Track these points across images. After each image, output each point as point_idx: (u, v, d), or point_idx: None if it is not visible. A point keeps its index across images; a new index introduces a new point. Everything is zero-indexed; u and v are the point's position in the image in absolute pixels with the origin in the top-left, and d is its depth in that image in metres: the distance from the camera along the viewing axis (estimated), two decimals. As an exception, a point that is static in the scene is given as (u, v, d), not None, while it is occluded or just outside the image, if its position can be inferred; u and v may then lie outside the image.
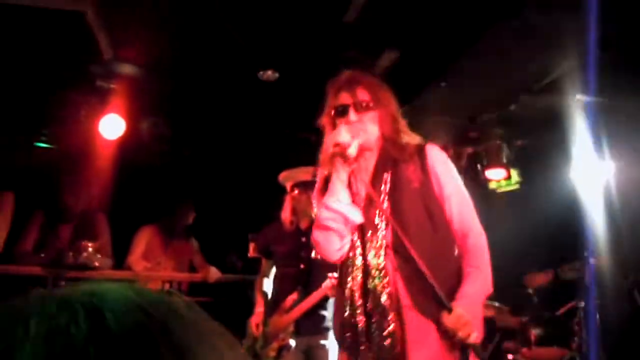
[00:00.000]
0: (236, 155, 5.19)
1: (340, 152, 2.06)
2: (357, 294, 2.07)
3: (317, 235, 2.13)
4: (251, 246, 4.11)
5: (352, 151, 2.06)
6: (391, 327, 1.99)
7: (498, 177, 5.43)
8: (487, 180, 5.54)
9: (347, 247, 2.12)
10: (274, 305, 3.71)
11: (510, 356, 4.55)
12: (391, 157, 2.14)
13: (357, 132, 2.09)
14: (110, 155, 4.55)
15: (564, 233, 5.24)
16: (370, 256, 2.06)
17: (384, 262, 2.04)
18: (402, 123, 2.22)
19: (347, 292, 2.10)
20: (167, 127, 4.77)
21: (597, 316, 4.51)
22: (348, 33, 3.77)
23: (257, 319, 3.79)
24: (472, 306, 2.01)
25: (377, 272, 2.04)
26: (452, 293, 2.01)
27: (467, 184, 5.92)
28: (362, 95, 2.17)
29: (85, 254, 4.17)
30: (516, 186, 5.48)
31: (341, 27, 3.69)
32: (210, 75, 4.25)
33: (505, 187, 5.50)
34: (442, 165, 2.18)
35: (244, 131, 4.94)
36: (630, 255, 4.71)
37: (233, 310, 4.27)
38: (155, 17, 3.51)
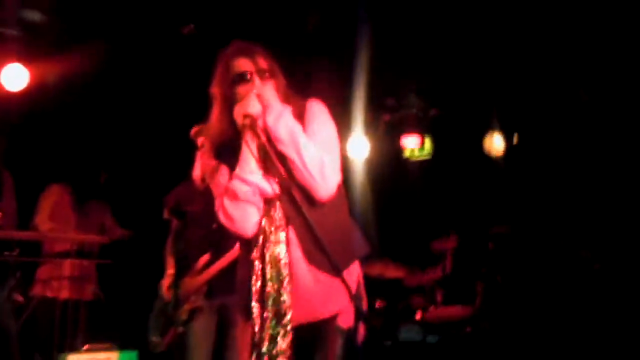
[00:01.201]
0: (151, 111, 5.02)
1: (251, 124, 2.03)
2: (257, 261, 2.06)
3: (231, 209, 2.05)
4: (165, 209, 4.01)
5: (261, 122, 2.04)
6: (286, 290, 2.01)
7: (413, 145, 5.60)
8: (402, 148, 5.70)
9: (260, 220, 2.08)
10: (185, 266, 3.66)
11: (418, 314, 4.78)
12: None
13: (265, 102, 2.06)
14: (13, 108, 4.28)
15: (472, 201, 5.51)
16: (269, 223, 2.06)
17: (281, 225, 2.06)
18: (291, 93, 2.21)
19: (247, 258, 2.10)
20: (77, 80, 4.53)
21: (498, 278, 4.81)
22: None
23: (168, 281, 3.73)
24: None
25: (275, 239, 2.05)
26: (343, 251, 2.07)
27: (383, 151, 6.09)
28: (262, 63, 2.13)
29: (-15, 215, 3.96)
30: (428, 156, 5.68)
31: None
32: (125, 27, 4.07)
33: (418, 156, 5.68)
34: (311, 115, 2.15)
35: (159, 86, 4.78)
36: (532, 224, 5.02)
37: (144, 272, 4.19)
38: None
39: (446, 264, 4.96)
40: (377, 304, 4.81)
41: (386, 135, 5.71)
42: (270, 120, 2.04)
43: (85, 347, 3.94)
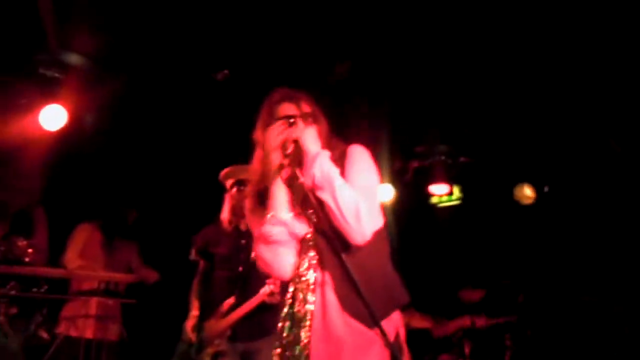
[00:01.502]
0: (183, 153, 5.10)
1: (290, 164, 2.04)
2: (287, 304, 2.05)
3: (266, 253, 2.06)
4: (193, 249, 4.03)
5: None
6: (304, 338, 1.97)
7: (441, 193, 5.55)
8: (429, 195, 5.65)
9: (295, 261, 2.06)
10: (210, 309, 3.63)
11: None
12: None
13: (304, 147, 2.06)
14: (50, 147, 4.39)
15: (500, 250, 5.40)
16: (302, 267, 2.05)
17: (313, 272, 2.03)
18: (334, 138, 2.22)
19: (282, 302, 2.08)
20: (112, 122, 4.65)
21: (529, 332, 4.66)
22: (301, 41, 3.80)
23: (192, 323, 3.70)
24: None
25: (306, 284, 2.02)
26: (383, 300, 2.00)
27: (411, 199, 6.05)
28: (306, 108, 2.17)
29: (15, 250, 4.00)
30: (457, 202, 5.62)
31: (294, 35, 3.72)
32: (158, 71, 4.19)
33: (446, 202, 5.62)
34: (351, 159, 2.13)
35: (190, 129, 4.87)
36: (560, 275, 4.90)
37: (170, 313, 4.18)
38: (107, 7, 3.44)
39: (474, 318, 4.82)
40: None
41: (414, 182, 5.68)
42: (307, 163, 2.03)
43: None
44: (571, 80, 4.31)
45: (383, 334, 1.85)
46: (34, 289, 4.00)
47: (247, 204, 2.23)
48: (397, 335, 2.04)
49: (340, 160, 2.12)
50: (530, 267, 5.06)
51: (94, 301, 4.44)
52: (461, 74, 4.39)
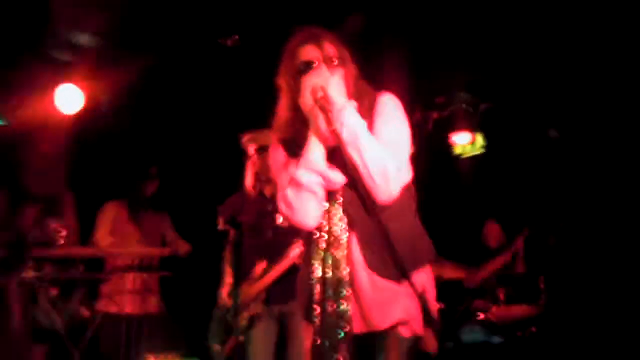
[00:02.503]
0: (202, 124, 5.09)
1: (322, 107, 1.89)
2: (317, 262, 1.98)
3: (293, 199, 1.94)
4: (220, 219, 4.05)
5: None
6: (346, 295, 1.94)
7: (463, 142, 5.47)
8: (452, 145, 5.58)
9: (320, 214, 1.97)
10: (242, 275, 3.67)
11: (481, 315, 4.65)
12: None
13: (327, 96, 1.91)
14: (69, 129, 4.41)
15: (526, 197, 5.34)
16: (334, 221, 1.98)
17: (344, 227, 1.97)
18: (363, 83, 2.08)
19: (309, 260, 2.02)
20: (130, 99, 4.65)
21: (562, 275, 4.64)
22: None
23: (226, 289, 3.75)
24: None
25: (336, 239, 1.96)
26: (409, 251, 1.95)
27: (433, 149, 5.98)
28: (330, 50, 2.00)
29: (49, 232, 4.08)
30: (481, 150, 5.54)
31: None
32: (171, 43, 4.15)
33: (470, 152, 5.55)
34: (381, 110, 2.00)
35: (207, 99, 4.84)
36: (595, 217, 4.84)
37: (204, 282, 4.24)
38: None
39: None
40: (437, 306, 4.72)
41: (436, 133, 5.60)
42: (331, 116, 1.88)
43: (150, 358, 4.01)
44: (592, 19, 4.15)
45: (413, 288, 1.80)
46: (71, 270, 4.09)
47: (274, 153, 2.11)
48: (424, 290, 1.98)
49: (369, 111, 1.98)
50: (560, 210, 4.99)
51: (130, 276, 4.52)
52: (476, 21, 4.26)
